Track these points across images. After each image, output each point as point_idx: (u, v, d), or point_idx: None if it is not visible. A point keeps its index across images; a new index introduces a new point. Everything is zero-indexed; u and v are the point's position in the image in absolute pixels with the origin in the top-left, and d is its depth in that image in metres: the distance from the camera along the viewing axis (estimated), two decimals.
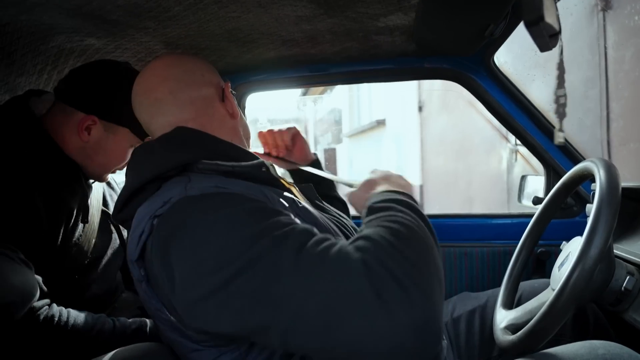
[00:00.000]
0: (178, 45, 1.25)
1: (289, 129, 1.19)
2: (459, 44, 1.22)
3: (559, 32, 0.65)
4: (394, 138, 8.32)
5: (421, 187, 7.32)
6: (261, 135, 1.20)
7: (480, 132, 5.10)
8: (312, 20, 1.11)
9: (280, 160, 1.19)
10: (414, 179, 7.49)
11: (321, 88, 10.82)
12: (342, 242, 0.60)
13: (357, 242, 0.59)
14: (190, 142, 0.81)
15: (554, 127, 1.36)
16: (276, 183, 0.83)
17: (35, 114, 1.10)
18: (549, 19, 0.58)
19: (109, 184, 1.33)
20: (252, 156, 0.86)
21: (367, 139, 9.78)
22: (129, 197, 0.81)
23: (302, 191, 0.99)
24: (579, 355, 0.72)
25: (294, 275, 0.55)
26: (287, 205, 0.76)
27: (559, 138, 0.63)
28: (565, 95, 0.61)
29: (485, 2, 0.87)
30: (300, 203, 0.81)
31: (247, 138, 0.97)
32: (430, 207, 6.95)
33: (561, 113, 0.62)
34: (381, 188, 0.78)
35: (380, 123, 8.68)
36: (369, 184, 0.83)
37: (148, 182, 0.78)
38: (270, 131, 1.19)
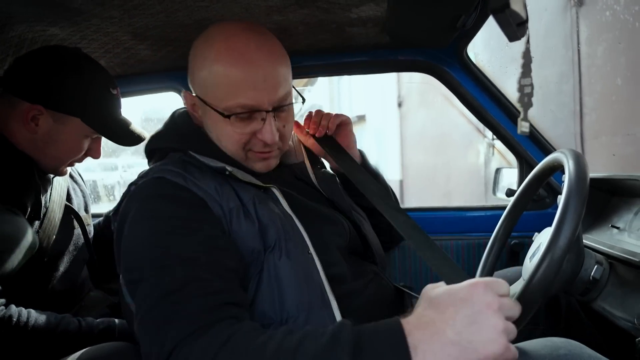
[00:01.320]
0: (147, 36, 1.21)
1: (338, 115, 1.12)
2: (432, 36, 1.21)
3: (526, 20, 0.64)
4: (374, 133, 8.35)
5: (401, 182, 7.38)
6: (308, 115, 1.13)
7: (458, 127, 5.15)
8: (283, 11, 1.09)
9: (317, 141, 1.11)
10: (393, 174, 7.54)
11: (304, 81, 10.78)
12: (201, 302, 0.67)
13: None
14: (187, 137, 0.93)
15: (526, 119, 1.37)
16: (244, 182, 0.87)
17: None
18: (515, 6, 0.58)
19: (72, 177, 1.28)
20: (225, 159, 0.91)
21: None
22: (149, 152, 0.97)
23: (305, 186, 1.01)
24: (541, 356, 0.72)
25: (147, 310, 0.69)
26: (236, 203, 0.82)
27: (522, 127, 0.62)
28: (531, 85, 0.61)
29: None
30: (259, 203, 0.83)
31: None
32: (410, 202, 7.01)
33: (526, 103, 0.61)
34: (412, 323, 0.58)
35: (361, 118, 8.70)
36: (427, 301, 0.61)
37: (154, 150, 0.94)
38: (319, 112, 1.13)
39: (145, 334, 0.68)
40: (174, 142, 0.92)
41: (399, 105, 7.40)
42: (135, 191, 0.83)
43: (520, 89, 0.61)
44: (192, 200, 0.79)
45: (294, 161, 1.05)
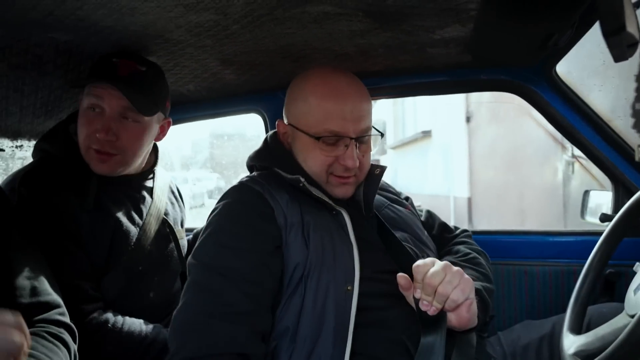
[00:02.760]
0: (233, 61, 1.28)
1: (467, 284, 0.86)
2: (519, 55, 1.17)
3: (638, 41, 0.61)
4: (440, 150, 8.16)
5: (469, 199, 7.12)
6: (421, 268, 0.86)
7: (533, 142, 4.90)
8: (366, 35, 1.11)
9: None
10: (461, 191, 7.30)
11: None
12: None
13: None
14: (274, 156, 1.06)
15: (623, 139, 1.28)
16: (313, 197, 0.97)
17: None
18: (630, 28, 0.55)
19: (172, 192, 1.37)
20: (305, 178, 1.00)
21: (412, 151, 9.65)
22: (249, 168, 1.13)
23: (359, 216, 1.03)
24: None
25: (180, 309, 0.86)
26: (298, 220, 0.92)
27: None
28: None
29: (551, 11, 0.83)
30: (314, 230, 0.91)
31: None
32: (480, 220, 6.73)
33: None
34: None
35: (426, 134, 8.54)
36: None
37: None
38: (435, 279, 0.83)
39: (171, 328, 0.84)
40: (262, 160, 1.07)
41: (467, 120, 7.19)
42: (225, 193, 0.99)
43: (636, 113, 0.57)
44: (263, 209, 0.92)
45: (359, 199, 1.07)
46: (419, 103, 9.06)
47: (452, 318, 0.88)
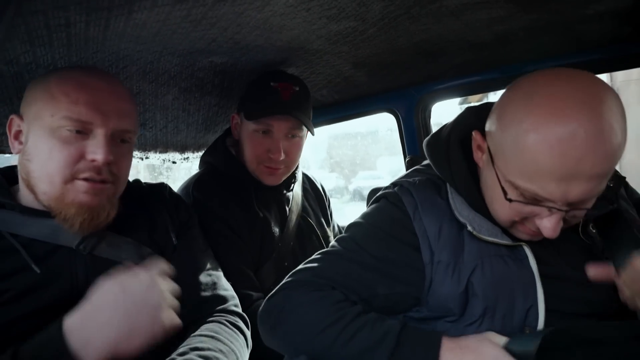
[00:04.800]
0: (365, 64, 1.31)
1: None
2: None
3: None
4: None
5: None
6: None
7: None
8: (506, 20, 1.05)
9: None
10: None
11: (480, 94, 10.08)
12: None
13: None
14: (454, 171, 0.91)
15: None
16: None
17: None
18: None
19: (305, 190, 1.46)
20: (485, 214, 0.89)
21: None
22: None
23: None
24: None
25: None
26: (449, 258, 0.84)
27: None
28: None
29: None
30: (483, 270, 0.82)
31: None
32: None
33: None
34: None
35: None
36: None
37: None
38: None
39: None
40: (439, 169, 0.91)
41: None
42: (383, 194, 0.95)
43: None
44: (406, 238, 0.86)
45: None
46: None
47: None
